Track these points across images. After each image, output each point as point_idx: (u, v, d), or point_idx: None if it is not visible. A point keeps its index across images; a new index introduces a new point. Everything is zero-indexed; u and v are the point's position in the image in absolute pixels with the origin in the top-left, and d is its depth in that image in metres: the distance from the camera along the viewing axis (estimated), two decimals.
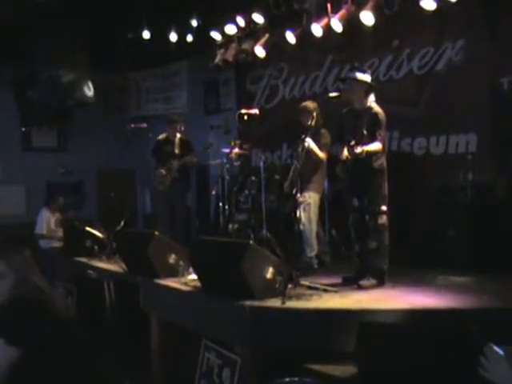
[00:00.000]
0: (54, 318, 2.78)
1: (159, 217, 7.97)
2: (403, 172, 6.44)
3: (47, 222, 9.04)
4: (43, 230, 8.99)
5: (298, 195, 5.61)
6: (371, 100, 5.08)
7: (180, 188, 7.70)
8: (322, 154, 6.03)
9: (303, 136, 5.65)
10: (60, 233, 8.88)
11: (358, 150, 4.65)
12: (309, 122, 5.68)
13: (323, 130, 6.14)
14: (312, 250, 5.93)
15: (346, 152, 4.78)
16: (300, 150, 5.66)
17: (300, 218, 5.70)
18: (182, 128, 7.82)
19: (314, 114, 5.83)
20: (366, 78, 5.10)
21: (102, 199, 11.16)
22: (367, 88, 5.08)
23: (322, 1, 6.92)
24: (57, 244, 8.81)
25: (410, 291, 4.74)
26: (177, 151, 7.64)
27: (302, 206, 5.71)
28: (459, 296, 4.50)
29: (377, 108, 5.02)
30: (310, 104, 6.17)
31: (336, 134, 5.57)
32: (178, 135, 7.77)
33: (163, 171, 7.58)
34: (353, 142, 4.71)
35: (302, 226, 5.81)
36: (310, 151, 5.76)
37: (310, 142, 5.70)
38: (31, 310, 2.75)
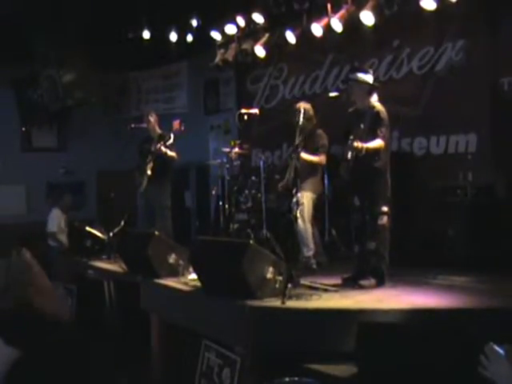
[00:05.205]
0: (52, 319, 2.78)
1: (144, 216, 7.94)
2: (403, 172, 6.43)
3: (58, 221, 9.18)
4: (55, 228, 9.12)
5: (298, 194, 5.63)
6: (374, 100, 5.08)
7: (154, 187, 7.42)
8: (317, 159, 6.04)
9: (296, 143, 5.68)
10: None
11: (358, 144, 4.65)
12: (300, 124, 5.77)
13: (319, 131, 6.14)
14: (309, 250, 5.92)
15: (349, 152, 4.78)
16: (294, 158, 5.71)
17: (296, 218, 5.73)
18: (152, 119, 7.63)
19: (306, 115, 5.87)
20: (368, 78, 5.10)
21: (101, 199, 11.16)
22: (369, 88, 5.07)
23: (322, 0, 6.93)
24: (65, 243, 8.93)
25: (410, 291, 4.74)
26: (153, 148, 7.39)
27: (296, 206, 5.73)
28: (459, 296, 4.51)
29: (379, 107, 5.02)
30: (301, 105, 6.18)
31: (342, 134, 5.57)
32: (158, 131, 7.61)
33: (137, 173, 7.49)
34: (351, 137, 4.71)
35: (297, 226, 5.82)
36: (303, 160, 5.83)
37: (302, 154, 5.75)
38: (31, 311, 2.75)
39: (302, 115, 5.90)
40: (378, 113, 4.96)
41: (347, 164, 4.95)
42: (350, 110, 5.25)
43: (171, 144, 7.34)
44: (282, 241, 6.22)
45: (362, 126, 4.76)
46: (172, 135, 7.37)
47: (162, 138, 7.39)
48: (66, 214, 9.39)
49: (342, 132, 5.36)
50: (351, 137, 4.74)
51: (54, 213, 9.33)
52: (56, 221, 9.19)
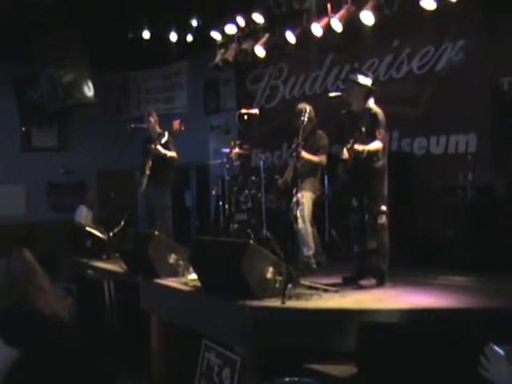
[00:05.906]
0: (52, 319, 2.78)
1: (144, 216, 7.92)
2: (403, 172, 6.43)
3: (86, 219, 9.28)
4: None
5: (298, 194, 5.63)
6: (370, 102, 5.09)
7: (154, 187, 7.34)
8: (318, 158, 6.06)
9: (297, 143, 5.68)
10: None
11: (360, 147, 4.67)
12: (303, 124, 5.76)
13: (320, 132, 6.16)
14: (309, 249, 5.92)
15: (346, 152, 4.79)
16: (294, 157, 5.71)
17: (296, 218, 5.73)
18: (152, 120, 7.57)
19: (308, 115, 5.88)
20: (367, 81, 5.10)
21: (101, 199, 11.17)
22: (367, 91, 5.08)
23: (322, 0, 6.93)
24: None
25: (410, 291, 4.74)
26: (151, 148, 7.29)
27: (297, 206, 5.74)
28: (459, 296, 4.50)
29: (376, 108, 5.04)
30: (304, 106, 6.18)
31: (337, 135, 5.58)
32: (158, 131, 7.52)
33: (137, 173, 7.44)
34: (352, 140, 4.72)
35: (297, 226, 5.83)
36: (303, 160, 5.82)
37: (302, 153, 5.75)
38: (31, 311, 2.75)
39: (307, 115, 5.89)
40: (375, 114, 4.98)
41: (344, 165, 4.97)
42: (344, 111, 5.27)
43: (166, 142, 7.31)
44: (282, 241, 6.23)
45: (363, 129, 4.77)
46: (166, 133, 7.35)
47: (159, 138, 7.38)
48: (92, 211, 9.45)
49: (339, 132, 5.37)
50: (351, 139, 4.75)
51: (81, 210, 9.37)
52: (84, 219, 9.26)
